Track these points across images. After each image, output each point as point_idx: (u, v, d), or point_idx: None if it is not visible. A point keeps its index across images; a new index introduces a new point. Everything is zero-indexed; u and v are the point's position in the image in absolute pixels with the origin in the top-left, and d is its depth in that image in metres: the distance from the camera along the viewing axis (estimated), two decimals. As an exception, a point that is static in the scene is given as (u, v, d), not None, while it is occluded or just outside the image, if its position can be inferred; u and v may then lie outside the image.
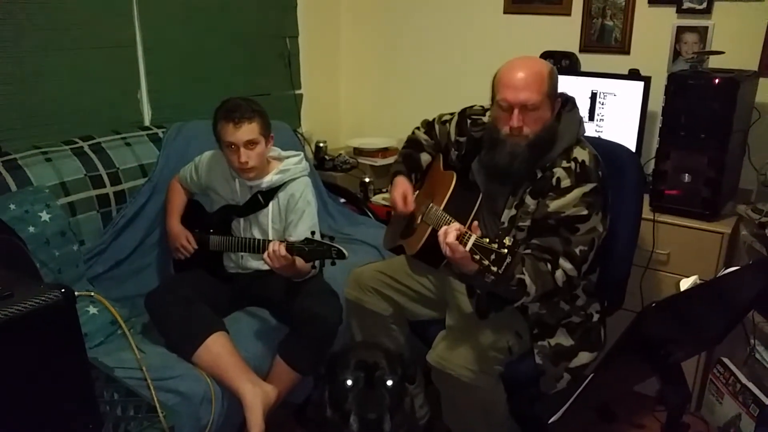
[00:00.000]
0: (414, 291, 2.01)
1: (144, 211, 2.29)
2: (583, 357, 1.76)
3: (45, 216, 1.93)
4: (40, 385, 1.19)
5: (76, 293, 1.22)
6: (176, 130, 2.47)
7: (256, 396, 1.78)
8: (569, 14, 2.73)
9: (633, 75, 2.45)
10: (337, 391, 1.57)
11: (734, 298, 1.59)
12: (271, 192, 2.05)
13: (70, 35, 2.25)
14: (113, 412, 1.50)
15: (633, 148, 2.33)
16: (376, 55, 3.38)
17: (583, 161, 1.66)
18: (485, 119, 1.87)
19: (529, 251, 1.62)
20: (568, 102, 1.75)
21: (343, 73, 3.52)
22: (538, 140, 1.65)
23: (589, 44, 2.70)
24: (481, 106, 1.93)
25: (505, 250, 1.37)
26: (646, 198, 2.18)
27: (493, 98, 1.72)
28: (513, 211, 1.72)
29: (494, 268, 1.38)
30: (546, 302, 1.70)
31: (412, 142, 2.11)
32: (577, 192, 1.63)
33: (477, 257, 1.41)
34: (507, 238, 1.38)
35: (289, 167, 2.06)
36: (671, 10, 2.49)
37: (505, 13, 2.91)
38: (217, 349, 1.82)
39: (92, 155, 2.21)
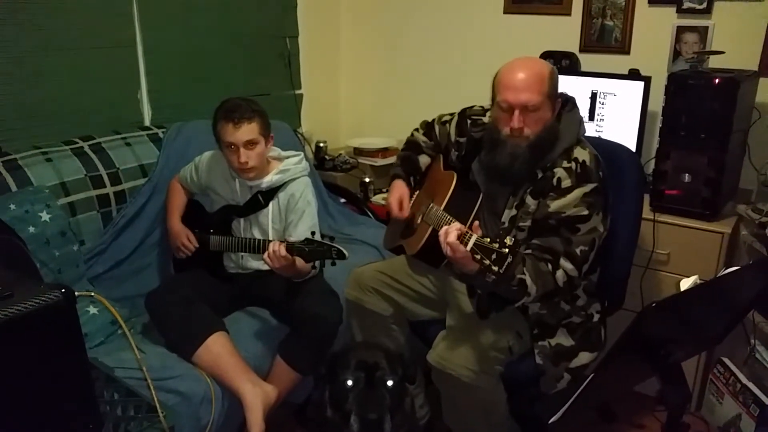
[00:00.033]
0: (414, 291, 2.01)
1: (144, 211, 2.29)
2: (584, 357, 1.76)
3: (45, 216, 1.93)
4: (40, 385, 1.19)
5: (76, 293, 1.22)
6: (176, 130, 2.47)
7: (257, 396, 1.78)
8: (569, 14, 2.73)
9: (633, 75, 2.45)
10: (337, 391, 1.57)
11: (734, 298, 1.59)
12: (271, 192, 2.05)
13: (70, 35, 2.25)
14: (113, 412, 1.50)
15: (633, 148, 2.33)
16: (376, 55, 3.38)
17: (584, 161, 1.66)
18: (485, 120, 1.87)
19: (529, 251, 1.62)
20: (569, 102, 1.75)
21: (343, 73, 3.52)
22: (539, 141, 1.65)
23: (589, 44, 2.70)
24: (481, 107, 1.93)
25: (506, 250, 1.37)
26: (647, 198, 2.18)
27: (493, 99, 1.72)
28: (513, 211, 1.72)
29: (495, 268, 1.38)
30: (546, 302, 1.70)
31: (411, 144, 2.11)
32: (577, 192, 1.62)
33: (478, 257, 1.41)
34: (508, 237, 1.38)
35: (289, 167, 2.06)
36: (671, 10, 2.49)
37: (505, 13, 2.91)
38: (217, 349, 1.82)
39: (92, 155, 2.21)
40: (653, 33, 2.55)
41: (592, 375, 1.29)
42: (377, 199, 3.01)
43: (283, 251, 1.78)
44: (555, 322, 1.75)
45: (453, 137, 1.97)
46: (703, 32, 2.43)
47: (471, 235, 1.44)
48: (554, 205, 1.63)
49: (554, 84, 1.66)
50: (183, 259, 2.16)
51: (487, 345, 1.72)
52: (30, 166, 2.04)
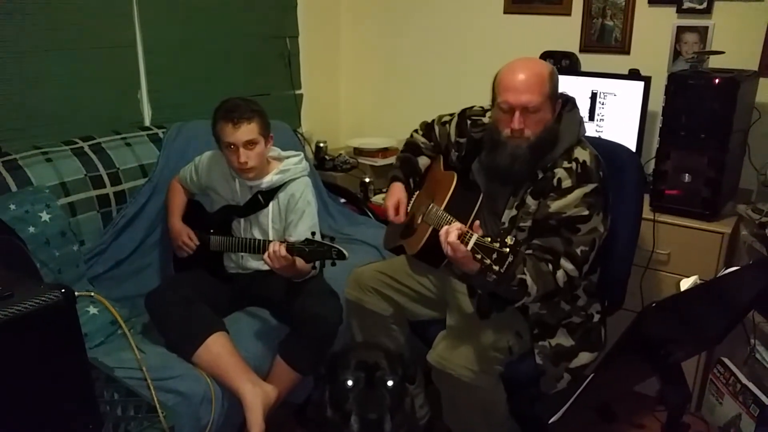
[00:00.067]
0: (414, 291, 2.01)
1: (144, 212, 2.29)
2: (584, 357, 1.76)
3: (45, 216, 1.93)
4: (40, 385, 1.19)
5: (76, 293, 1.22)
6: (176, 130, 2.47)
7: (257, 396, 1.78)
8: (569, 14, 2.73)
9: (633, 75, 2.45)
10: (337, 391, 1.57)
11: (734, 298, 1.59)
12: (272, 192, 2.05)
13: (70, 35, 2.25)
14: (113, 412, 1.50)
15: (633, 148, 2.32)
16: (376, 55, 3.38)
17: (584, 161, 1.66)
18: (485, 120, 1.87)
19: (530, 252, 1.62)
20: (569, 102, 1.74)
21: (343, 73, 3.52)
22: (539, 142, 1.65)
23: (589, 44, 2.70)
24: (481, 107, 1.93)
25: (507, 249, 1.37)
26: (647, 198, 2.18)
27: (493, 100, 1.72)
28: (514, 212, 1.72)
29: (496, 267, 1.38)
30: (547, 302, 1.70)
31: (411, 146, 2.11)
32: (578, 192, 1.62)
33: (479, 256, 1.41)
34: (509, 237, 1.38)
35: (289, 167, 2.06)
36: (671, 10, 2.49)
37: (505, 13, 2.91)
38: (217, 349, 1.82)
39: (92, 155, 2.21)
40: (653, 33, 2.55)
41: (592, 375, 1.29)
42: (377, 199, 3.01)
43: (283, 251, 1.78)
44: (555, 322, 1.75)
45: (453, 138, 1.97)
46: (703, 32, 2.43)
47: (472, 234, 1.44)
48: (555, 205, 1.63)
49: (554, 85, 1.66)
50: (183, 259, 2.16)
51: (487, 345, 1.72)
52: (30, 166, 2.04)
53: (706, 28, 2.42)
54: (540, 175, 1.68)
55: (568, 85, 2.40)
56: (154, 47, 2.52)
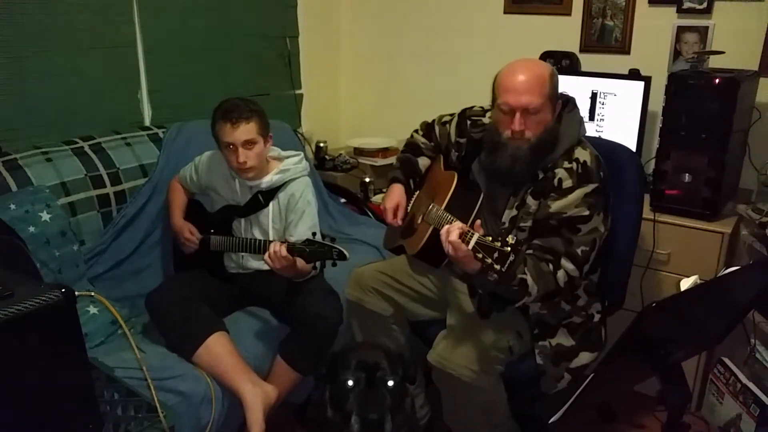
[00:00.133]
0: (415, 291, 2.01)
1: (144, 211, 2.29)
2: (584, 357, 1.76)
3: (45, 216, 1.93)
4: (41, 385, 1.19)
5: (76, 293, 1.22)
6: (176, 130, 2.47)
7: (257, 396, 1.78)
8: (569, 14, 2.73)
9: (633, 75, 2.45)
10: (338, 391, 1.57)
11: (734, 298, 1.59)
12: (272, 192, 2.05)
13: (70, 35, 2.25)
14: (113, 412, 1.50)
15: (633, 148, 2.33)
16: (376, 55, 3.38)
17: (585, 162, 1.66)
18: (485, 120, 1.87)
19: (530, 252, 1.62)
20: (569, 102, 1.74)
21: (344, 73, 3.52)
22: (540, 143, 1.65)
23: (589, 44, 2.70)
24: (481, 107, 1.93)
25: (509, 249, 1.37)
26: (647, 198, 2.18)
27: (493, 101, 1.71)
28: (514, 212, 1.71)
29: (497, 267, 1.38)
30: (547, 302, 1.70)
31: (411, 146, 2.11)
32: (578, 192, 1.62)
33: (480, 256, 1.41)
34: (510, 236, 1.38)
35: (289, 167, 2.06)
36: (671, 10, 2.49)
37: (505, 13, 2.91)
38: (217, 349, 1.82)
39: (92, 155, 2.21)
40: (653, 33, 2.55)
41: (592, 375, 1.29)
42: (377, 199, 3.01)
43: (283, 252, 1.78)
44: (555, 322, 1.75)
45: (453, 138, 1.97)
46: (703, 32, 2.43)
47: (473, 234, 1.44)
48: (555, 205, 1.63)
49: (554, 86, 1.66)
50: (183, 259, 2.16)
51: (487, 345, 1.72)
52: (30, 165, 2.04)
53: (706, 28, 2.42)
54: (540, 176, 1.68)
55: (568, 85, 2.40)
56: (154, 47, 2.52)
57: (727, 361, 1.84)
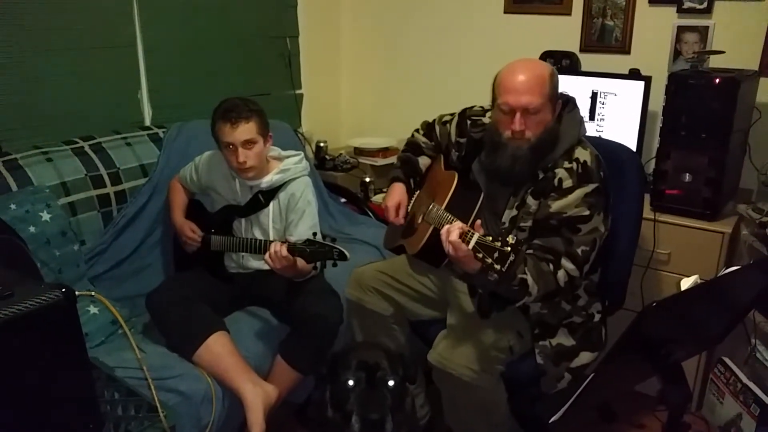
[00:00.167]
0: (415, 291, 2.01)
1: (144, 211, 2.29)
2: (584, 357, 1.76)
3: (46, 216, 1.93)
4: (41, 384, 1.19)
5: (76, 293, 1.22)
6: (177, 130, 2.47)
7: (257, 396, 1.78)
8: (569, 14, 2.73)
9: (633, 75, 2.45)
10: (338, 391, 1.57)
11: (735, 297, 1.59)
12: (272, 192, 2.05)
13: (70, 35, 2.25)
14: (114, 412, 1.50)
15: (633, 148, 2.32)
16: (376, 55, 3.38)
17: (585, 162, 1.66)
18: (485, 120, 1.87)
19: (531, 251, 1.62)
20: (569, 102, 1.74)
21: (344, 73, 3.52)
22: (540, 143, 1.65)
23: (589, 44, 2.70)
24: (481, 107, 1.93)
25: (509, 248, 1.37)
26: (647, 198, 2.18)
27: (493, 101, 1.71)
28: (514, 212, 1.71)
29: (497, 266, 1.38)
30: (548, 302, 1.70)
31: (411, 145, 2.11)
32: (579, 192, 1.62)
33: (480, 255, 1.41)
34: (510, 236, 1.38)
35: (289, 167, 2.06)
36: (672, 10, 2.49)
37: (505, 12, 2.91)
38: (217, 348, 1.82)
39: (93, 155, 2.21)
40: (654, 33, 2.55)
41: (592, 375, 1.29)
42: (377, 198, 3.01)
43: (284, 252, 1.78)
44: (556, 321, 1.75)
45: (453, 137, 1.97)
46: (703, 32, 2.43)
47: (473, 233, 1.44)
48: (555, 205, 1.63)
49: (555, 86, 1.66)
50: (184, 259, 2.16)
51: (488, 344, 1.72)
52: (30, 165, 2.04)
53: (707, 27, 2.42)
54: (541, 176, 1.68)
55: (568, 84, 2.40)
56: (154, 47, 2.52)
57: (727, 360, 1.84)
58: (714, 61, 2.29)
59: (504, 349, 1.74)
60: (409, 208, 2.05)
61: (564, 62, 2.61)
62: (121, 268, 2.22)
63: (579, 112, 1.75)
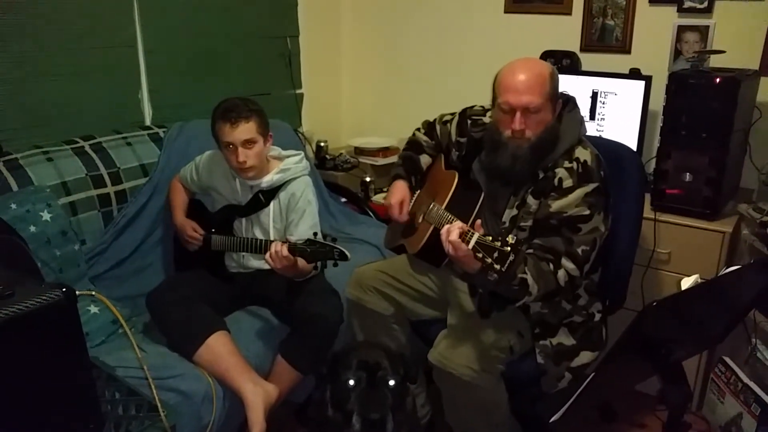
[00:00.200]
0: (415, 290, 2.01)
1: (145, 211, 2.29)
2: (585, 356, 1.76)
3: (46, 215, 1.93)
4: (41, 384, 1.19)
5: (77, 292, 1.22)
6: (177, 130, 2.47)
7: (258, 395, 1.78)
8: (570, 13, 2.73)
9: (634, 74, 2.45)
10: (339, 391, 1.57)
11: (735, 297, 1.59)
12: (272, 191, 2.05)
13: (71, 35, 2.25)
14: (114, 412, 1.50)
15: (634, 148, 2.33)
16: (377, 55, 3.38)
17: (585, 161, 1.66)
18: (486, 119, 1.87)
19: (531, 251, 1.62)
20: (569, 102, 1.74)
21: (344, 73, 3.52)
22: (540, 142, 1.65)
23: (589, 43, 2.70)
24: (482, 107, 1.93)
25: (509, 248, 1.37)
26: (648, 197, 2.18)
27: (494, 100, 1.71)
28: (514, 211, 1.72)
29: (497, 266, 1.38)
30: (548, 302, 1.70)
31: (413, 144, 2.11)
32: (579, 192, 1.62)
33: (480, 255, 1.41)
34: (510, 236, 1.38)
35: (289, 166, 2.06)
36: (672, 10, 2.48)
37: (505, 12, 2.91)
38: (218, 348, 1.82)
39: (93, 155, 2.21)
40: (654, 32, 2.55)
41: (593, 374, 1.29)
42: (378, 198, 3.01)
43: (284, 252, 1.78)
44: (556, 321, 1.75)
45: (454, 137, 1.97)
46: (704, 31, 2.43)
47: (473, 233, 1.44)
48: (556, 205, 1.63)
49: (555, 85, 1.66)
50: (184, 259, 2.16)
51: (488, 344, 1.72)
52: (31, 165, 2.04)
53: (707, 27, 2.42)
54: (541, 175, 1.68)
55: (568, 84, 2.40)
56: (154, 47, 2.52)
57: (728, 360, 1.84)
58: (714, 61, 2.29)
59: (504, 349, 1.74)
60: (410, 207, 2.05)
61: (564, 62, 2.61)
62: (122, 267, 2.22)
63: (579, 112, 1.75)
